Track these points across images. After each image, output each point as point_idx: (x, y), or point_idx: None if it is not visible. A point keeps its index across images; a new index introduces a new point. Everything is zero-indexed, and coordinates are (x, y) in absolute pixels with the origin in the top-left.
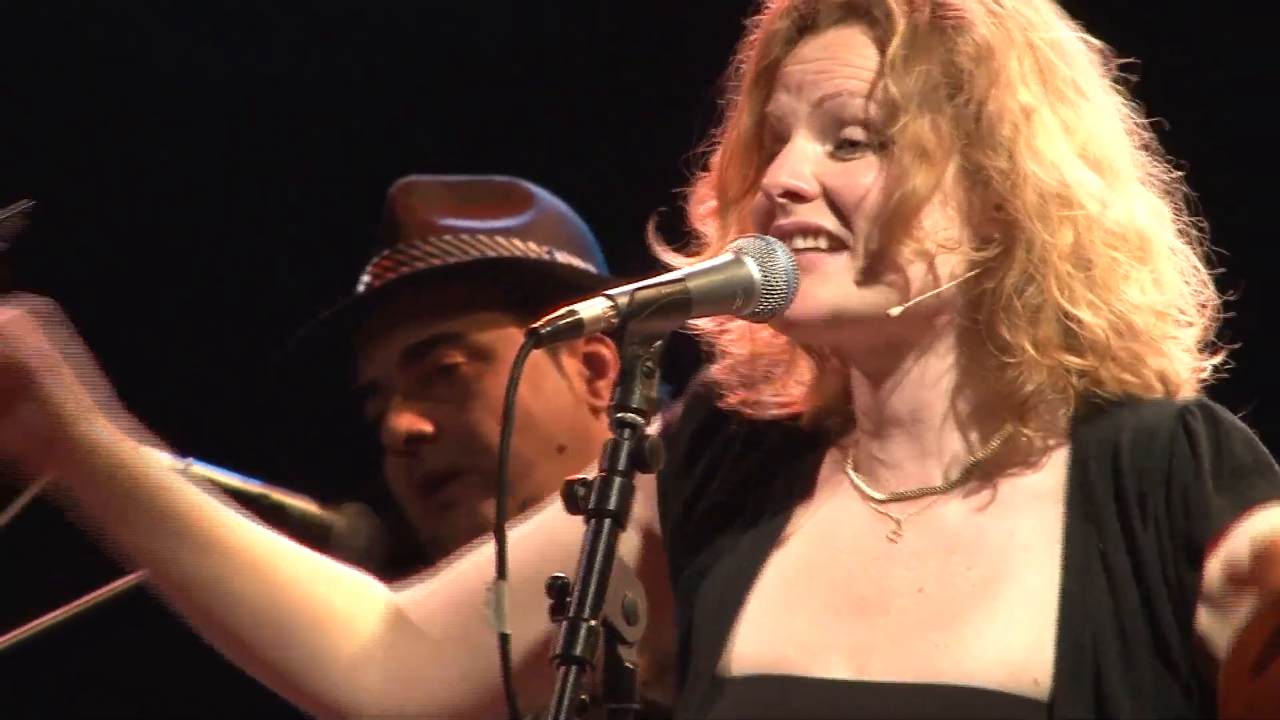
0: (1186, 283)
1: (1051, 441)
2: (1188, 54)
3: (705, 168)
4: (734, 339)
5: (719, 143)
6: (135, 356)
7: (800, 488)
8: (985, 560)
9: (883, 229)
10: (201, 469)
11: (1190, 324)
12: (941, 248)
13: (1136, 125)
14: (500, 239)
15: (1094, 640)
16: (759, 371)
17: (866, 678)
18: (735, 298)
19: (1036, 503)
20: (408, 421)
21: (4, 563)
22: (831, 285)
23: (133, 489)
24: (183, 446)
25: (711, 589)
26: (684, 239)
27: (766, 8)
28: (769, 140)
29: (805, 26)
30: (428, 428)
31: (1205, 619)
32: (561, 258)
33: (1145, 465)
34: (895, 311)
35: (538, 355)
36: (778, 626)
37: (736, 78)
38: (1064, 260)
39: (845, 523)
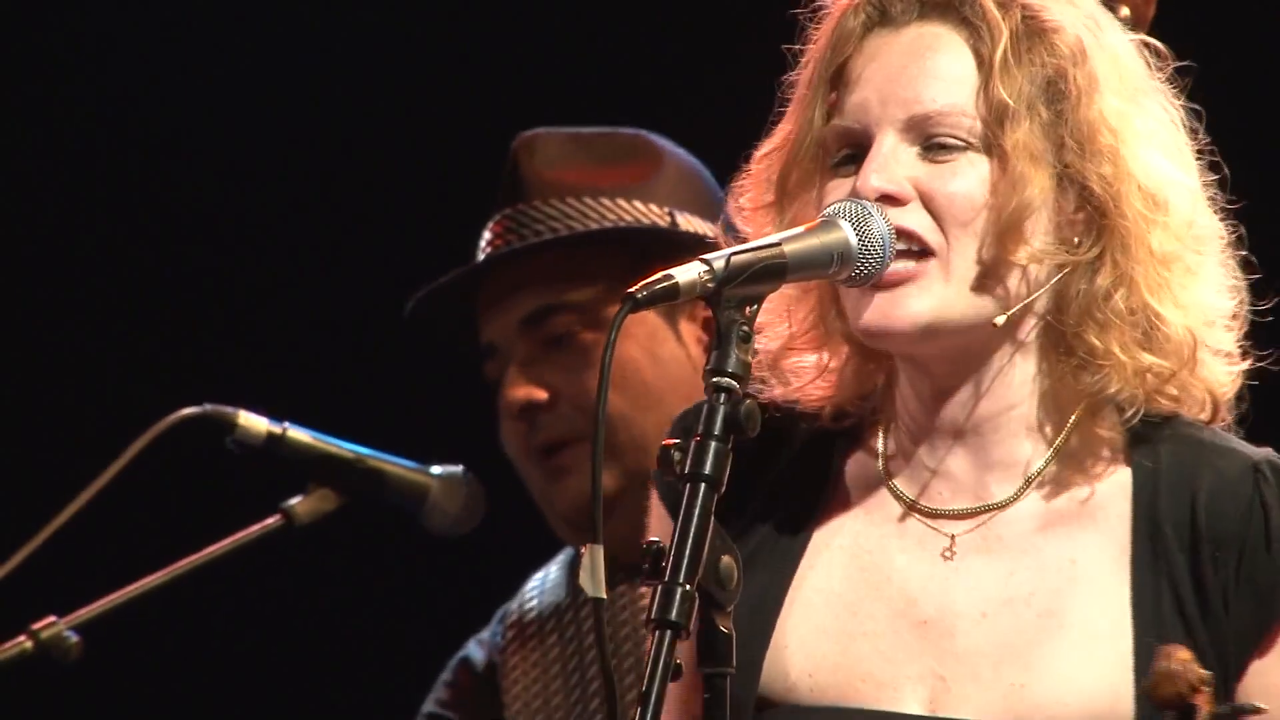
0: (1232, 287)
1: (1107, 454)
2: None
3: (748, 161)
4: (771, 336)
5: (771, 134)
6: (238, 322)
7: (826, 496)
8: (1047, 587)
9: (994, 238)
10: (298, 433)
11: (1230, 329)
12: (1043, 253)
13: (1191, 127)
14: (621, 201)
15: None
16: (784, 361)
17: (940, 713)
18: (831, 262)
19: (1096, 527)
20: (524, 390)
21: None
22: (928, 296)
23: None
24: (280, 410)
25: (742, 605)
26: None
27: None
28: (841, 137)
29: (878, 20)
30: (542, 395)
31: (1248, 689)
32: (682, 220)
33: (1222, 532)
34: (1000, 321)
35: (656, 322)
36: (841, 652)
37: (799, 69)
38: (1154, 262)
39: (890, 538)
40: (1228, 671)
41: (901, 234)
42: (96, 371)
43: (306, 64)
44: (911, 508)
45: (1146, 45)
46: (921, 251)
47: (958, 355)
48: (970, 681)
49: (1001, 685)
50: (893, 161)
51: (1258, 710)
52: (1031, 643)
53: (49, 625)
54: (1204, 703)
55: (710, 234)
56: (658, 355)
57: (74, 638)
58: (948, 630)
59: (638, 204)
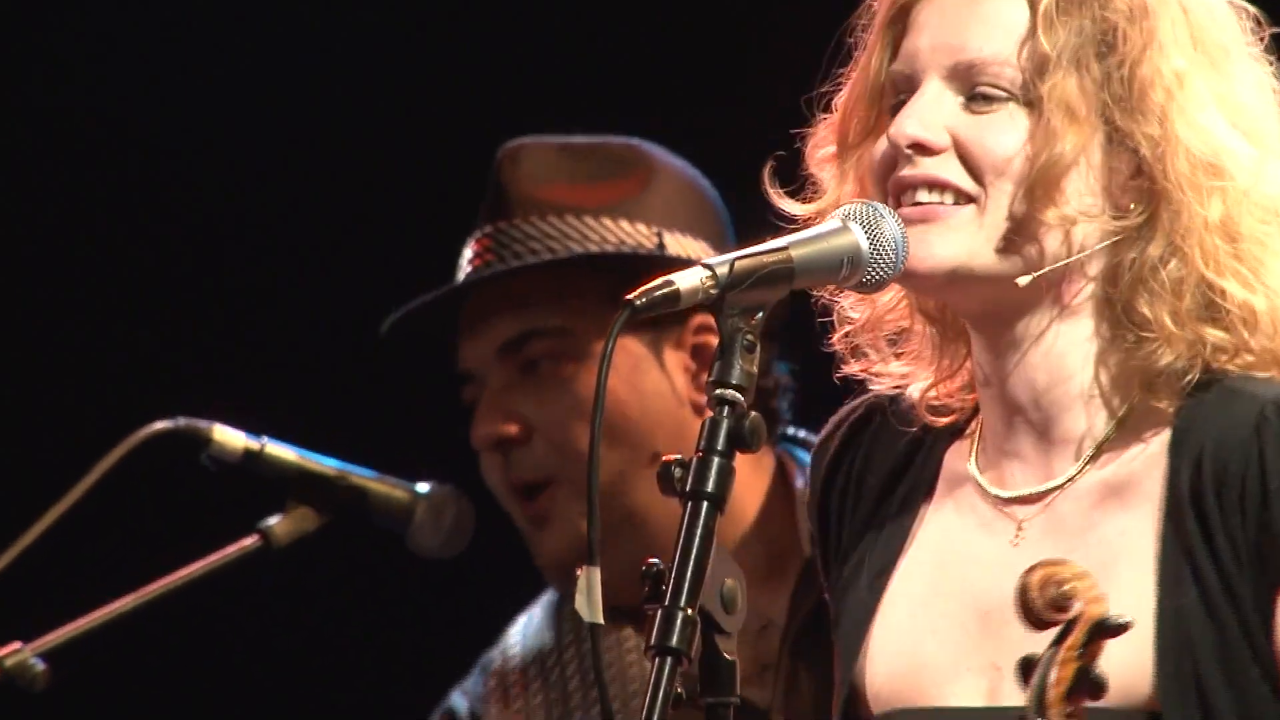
0: None
1: (1159, 421)
2: None
3: (827, 109)
4: (853, 303)
5: (843, 83)
6: (215, 332)
7: (923, 491)
8: (1098, 563)
9: (1025, 192)
10: (277, 448)
11: None
12: (1082, 215)
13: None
14: (608, 221)
15: (1194, 658)
16: (878, 339)
17: (997, 703)
18: (841, 267)
19: (1142, 497)
20: (494, 425)
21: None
22: (957, 239)
23: None
24: (257, 423)
25: (846, 613)
26: (803, 184)
27: None
28: (897, 84)
29: None
30: (513, 430)
31: None
32: (671, 240)
33: (1222, 481)
34: (1023, 281)
35: (639, 351)
36: (910, 651)
37: (868, 16)
38: (1211, 232)
39: (969, 529)
40: (1249, 627)
41: (935, 185)
42: (65, 383)
43: (286, 75)
44: (989, 496)
45: (1244, 10)
46: (953, 201)
47: (990, 308)
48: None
49: None
50: (933, 108)
51: (1125, 626)
52: None
53: (14, 652)
54: (1079, 614)
55: (701, 256)
56: (640, 387)
57: (40, 665)
58: (1007, 618)
59: (624, 224)
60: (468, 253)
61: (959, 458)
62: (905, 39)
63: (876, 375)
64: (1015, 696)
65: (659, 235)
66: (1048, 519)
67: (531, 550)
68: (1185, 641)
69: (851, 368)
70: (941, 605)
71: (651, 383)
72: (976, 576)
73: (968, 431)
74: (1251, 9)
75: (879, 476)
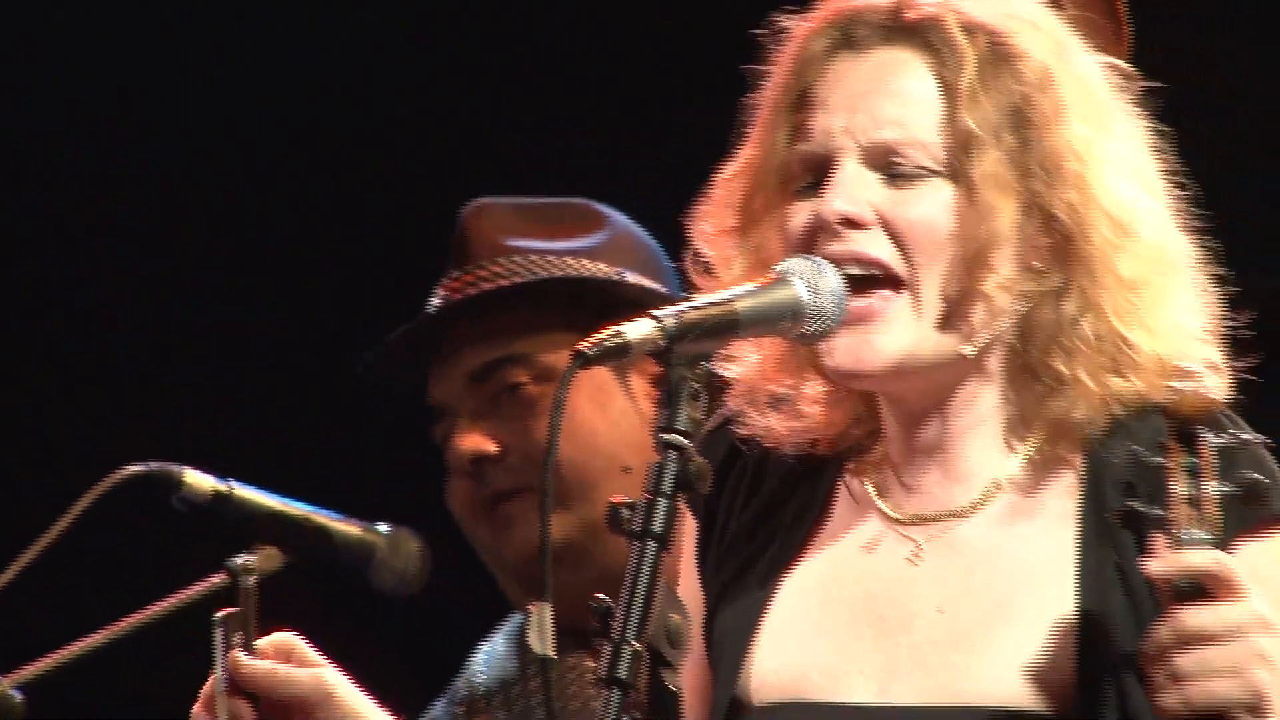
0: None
1: (1068, 457)
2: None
3: (711, 185)
4: (743, 366)
5: (731, 159)
6: (181, 377)
7: (814, 509)
8: (1003, 579)
9: (960, 269)
10: (244, 491)
11: (1208, 342)
12: (1009, 281)
13: (1159, 146)
14: (569, 259)
15: (1118, 656)
16: (770, 396)
17: (888, 700)
18: (784, 319)
19: (1054, 520)
20: (473, 441)
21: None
22: (896, 332)
23: None
24: (225, 467)
25: (730, 614)
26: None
27: (789, 22)
28: (805, 164)
29: (841, 44)
30: (492, 447)
31: None
32: (631, 278)
33: (1154, 483)
34: (969, 351)
35: (604, 375)
36: (799, 650)
37: (762, 92)
38: (1123, 288)
39: (864, 545)
40: None
41: (864, 262)
42: (40, 431)
43: (262, 116)
44: (888, 518)
45: (1114, 67)
46: (886, 278)
47: (929, 387)
48: (918, 669)
49: (946, 670)
50: (856, 185)
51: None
52: (979, 630)
53: None
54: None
55: (660, 288)
56: (607, 408)
57: (19, 696)
58: (904, 626)
59: (585, 262)
60: (435, 299)
61: (854, 482)
62: (812, 118)
63: (775, 431)
64: (904, 696)
65: (620, 273)
66: (948, 542)
67: (494, 562)
68: (1108, 637)
69: (751, 427)
70: (833, 612)
71: (618, 404)
72: (873, 588)
73: (862, 460)
74: (1121, 64)
75: (773, 484)
